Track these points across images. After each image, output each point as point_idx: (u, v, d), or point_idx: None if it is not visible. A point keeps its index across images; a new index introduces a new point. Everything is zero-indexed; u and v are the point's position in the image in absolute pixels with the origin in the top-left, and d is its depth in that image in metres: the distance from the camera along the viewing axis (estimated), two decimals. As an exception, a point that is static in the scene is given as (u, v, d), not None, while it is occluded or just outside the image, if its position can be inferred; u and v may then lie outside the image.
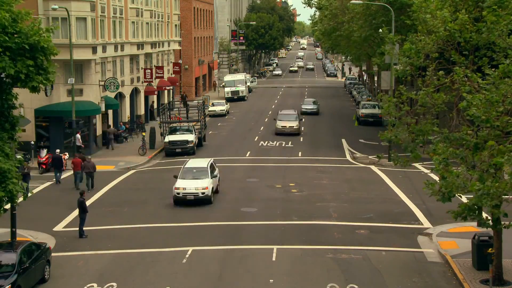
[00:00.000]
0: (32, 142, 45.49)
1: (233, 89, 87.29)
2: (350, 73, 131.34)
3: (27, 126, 44.00)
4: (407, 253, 26.33)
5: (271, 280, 23.23)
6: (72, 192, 36.51)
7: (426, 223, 30.40)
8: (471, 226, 26.90)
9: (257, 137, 57.90)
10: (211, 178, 34.65)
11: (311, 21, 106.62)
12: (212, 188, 34.43)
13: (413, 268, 24.63)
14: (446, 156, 21.13)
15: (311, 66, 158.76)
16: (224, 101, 78.78)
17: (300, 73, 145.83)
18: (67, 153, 44.57)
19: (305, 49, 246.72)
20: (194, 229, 29.96)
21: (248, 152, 50.73)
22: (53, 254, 24.90)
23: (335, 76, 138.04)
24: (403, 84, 32.66)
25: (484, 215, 21.33)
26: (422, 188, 22.02)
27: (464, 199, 23.83)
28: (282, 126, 58.98)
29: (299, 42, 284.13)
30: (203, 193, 33.66)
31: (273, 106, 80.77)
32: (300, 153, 50.38)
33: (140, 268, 24.62)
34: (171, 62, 76.35)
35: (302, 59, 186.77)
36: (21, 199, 23.14)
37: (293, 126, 58.81)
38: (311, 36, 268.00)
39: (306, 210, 32.82)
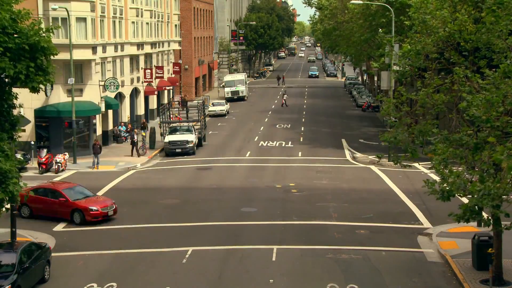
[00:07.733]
0: (32, 142, 45.49)
1: (233, 89, 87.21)
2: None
3: (27, 126, 44.00)
4: (407, 253, 26.33)
5: (271, 280, 23.22)
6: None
7: (426, 223, 30.41)
8: (471, 226, 26.91)
9: (257, 137, 57.89)
10: None
11: (310, 22, 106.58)
12: None
13: (413, 268, 24.63)
14: (446, 157, 21.12)
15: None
16: (224, 101, 78.73)
17: (300, 72, 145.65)
18: (67, 153, 44.64)
19: (303, 50, 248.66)
20: (194, 229, 29.95)
21: (248, 152, 50.73)
22: (53, 254, 24.89)
23: (335, 76, 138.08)
24: (402, 85, 32.65)
25: (485, 215, 21.32)
26: (422, 186, 22.02)
27: (464, 199, 23.82)
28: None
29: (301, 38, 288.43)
30: None
31: (273, 106, 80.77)
32: (300, 153, 50.39)
33: (140, 268, 24.61)
34: (171, 62, 76.33)
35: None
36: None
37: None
38: (310, 36, 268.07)
39: (306, 210, 32.81)
